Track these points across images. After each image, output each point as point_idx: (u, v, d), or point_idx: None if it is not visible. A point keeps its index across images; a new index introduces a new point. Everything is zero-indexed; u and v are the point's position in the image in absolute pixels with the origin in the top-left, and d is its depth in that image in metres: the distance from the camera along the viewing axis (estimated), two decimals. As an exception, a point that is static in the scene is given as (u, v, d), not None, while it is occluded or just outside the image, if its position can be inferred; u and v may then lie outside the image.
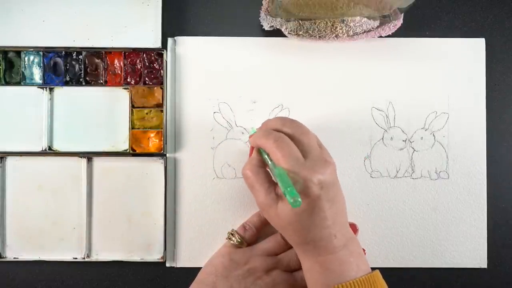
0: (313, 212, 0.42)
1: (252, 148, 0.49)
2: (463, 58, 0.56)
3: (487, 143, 0.55)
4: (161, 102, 0.54)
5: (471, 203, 0.55)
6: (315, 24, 0.52)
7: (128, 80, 0.55)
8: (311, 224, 0.43)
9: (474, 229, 0.55)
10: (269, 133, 0.45)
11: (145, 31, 0.55)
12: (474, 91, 0.56)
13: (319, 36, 0.53)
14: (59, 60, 0.55)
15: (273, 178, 0.45)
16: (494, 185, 0.55)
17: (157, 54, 0.55)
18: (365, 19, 0.52)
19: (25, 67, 0.55)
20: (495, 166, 0.55)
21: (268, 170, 0.46)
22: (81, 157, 0.54)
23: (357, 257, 0.45)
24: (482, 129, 0.55)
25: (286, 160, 0.42)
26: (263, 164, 0.46)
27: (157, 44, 0.54)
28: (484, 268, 0.55)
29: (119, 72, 0.55)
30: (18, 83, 0.55)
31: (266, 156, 0.45)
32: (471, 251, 0.55)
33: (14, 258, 0.54)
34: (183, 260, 0.54)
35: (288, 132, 0.45)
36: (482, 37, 0.56)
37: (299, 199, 0.38)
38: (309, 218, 0.42)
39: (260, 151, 0.47)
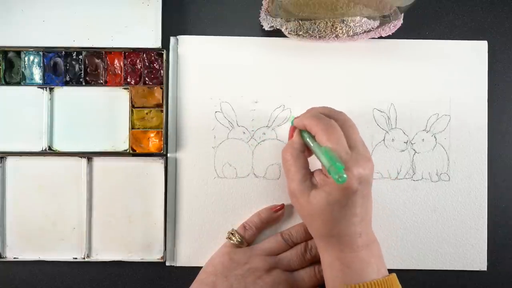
0: (345, 205, 0.42)
1: (292, 130, 0.49)
2: (465, 61, 0.55)
3: (488, 145, 0.55)
4: (161, 102, 0.54)
5: (471, 206, 0.55)
6: (315, 24, 0.52)
7: (128, 80, 0.55)
8: (340, 217, 0.42)
9: (474, 232, 0.55)
10: (319, 116, 0.45)
11: (145, 31, 0.55)
12: (476, 93, 0.55)
13: (319, 36, 0.53)
14: (59, 60, 0.55)
15: (317, 158, 0.45)
16: (495, 188, 0.55)
17: (157, 54, 0.55)
18: (365, 19, 0.51)
19: (25, 67, 0.55)
20: (496, 169, 0.55)
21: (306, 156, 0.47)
22: (81, 157, 0.54)
23: (378, 259, 0.45)
24: (484, 131, 0.55)
25: (333, 146, 0.42)
26: (303, 149, 0.46)
27: (157, 44, 0.54)
28: (484, 271, 0.54)
29: (119, 72, 0.55)
30: (18, 83, 0.55)
31: (308, 139, 0.45)
32: (471, 253, 0.54)
33: (14, 258, 0.54)
34: (183, 260, 0.54)
35: (336, 120, 0.45)
36: (482, 38, 0.55)
37: (344, 175, 0.38)
38: (340, 210, 0.42)
39: (301, 134, 0.47)
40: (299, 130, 0.47)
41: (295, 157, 0.45)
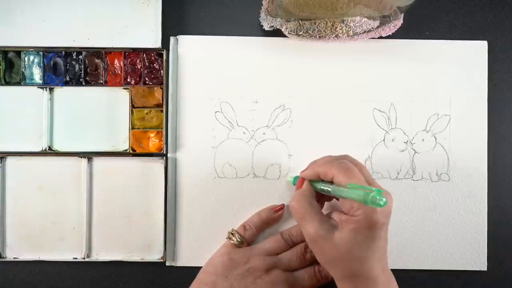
0: (373, 241, 0.41)
1: (300, 182, 0.48)
2: (465, 61, 0.55)
3: (488, 145, 0.55)
4: (161, 102, 0.54)
5: (471, 206, 0.55)
6: (315, 24, 0.52)
7: (128, 80, 0.55)
8: (368, 254, 0.42)
9: (474, 232, 0.55)
10: (332, 161, 0.44)
11: (145, 31, 0.54)
12: (476, 93, 0.55)
13: (319, 36, 0.53)
14: (59, 60, 0.55)
15: (336, 200, 0.45)
16: (495, 187, 0.55)
17: (157, 54, 0.55)
18: (365, 19, 0.51)
19: (25, 67, 0.55)
20: (496, 169, 0.55)
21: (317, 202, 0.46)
22: (81, 157, 0.54)
23: None
24: (484, 131, 0.55)
25: (357, 183, 0.41)
26: (314, 196, 0.46)
27: (157, 44, 0.54)
28: (484, 271, 0.54)
29: (119, 72, 0.55)
30: (18, 83, 0.55)
31: (323, 186, 0.45)
32: (471, 253, 0.54)
33: (14, 258, 0.54)
34: (183, 260, 0.54)
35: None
36: (482, 38, 0.55)
37: (384, 198, 0.36)
38: (370, 246, 0.41)
39: (312, 183, 0.46)
40: (309, 181, 0.47)
41: (307, 203, 0.44)
